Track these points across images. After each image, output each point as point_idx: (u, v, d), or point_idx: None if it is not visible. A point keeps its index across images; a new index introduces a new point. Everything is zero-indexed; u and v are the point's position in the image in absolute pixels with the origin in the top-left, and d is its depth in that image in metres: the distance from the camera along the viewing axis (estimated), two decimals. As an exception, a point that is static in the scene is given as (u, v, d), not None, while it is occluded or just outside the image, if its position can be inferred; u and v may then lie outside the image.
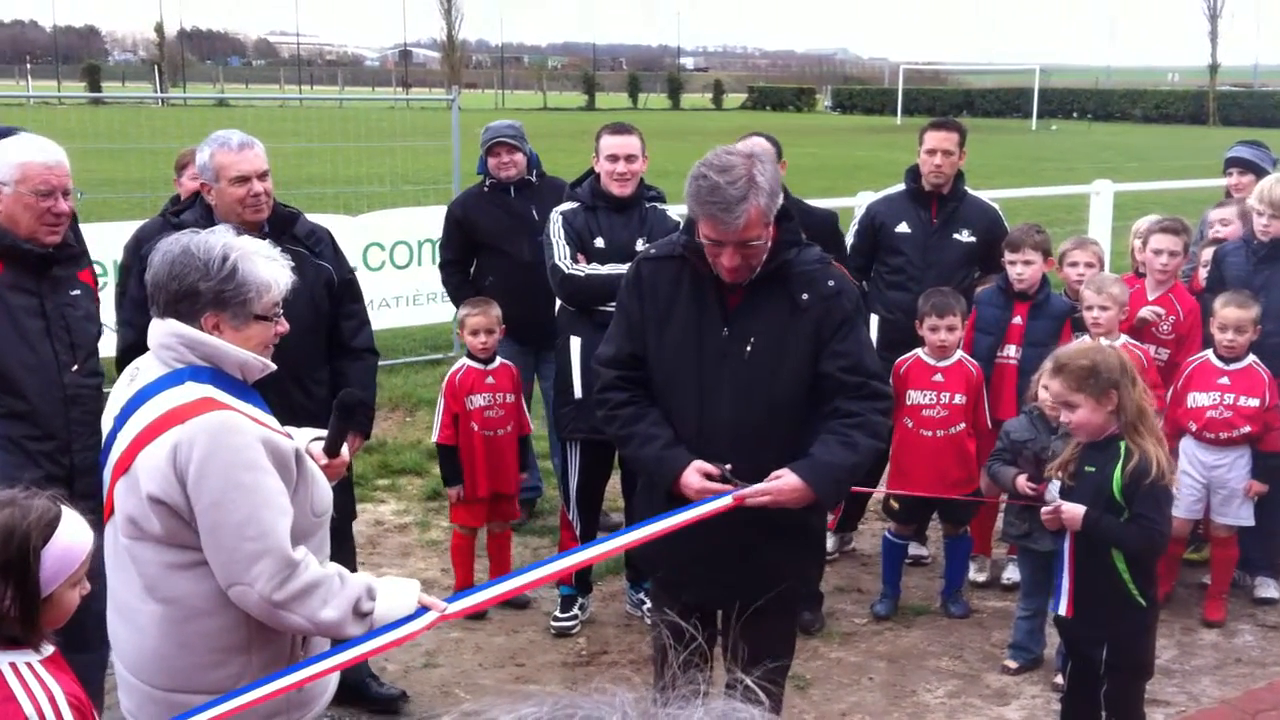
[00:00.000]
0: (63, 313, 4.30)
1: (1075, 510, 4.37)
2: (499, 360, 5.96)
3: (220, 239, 3.01)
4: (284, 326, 3.12)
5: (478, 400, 5.84)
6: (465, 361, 5.93)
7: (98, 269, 4.99)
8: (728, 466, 3.73)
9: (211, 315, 2.97)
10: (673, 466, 3.78)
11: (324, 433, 3.38)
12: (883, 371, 4.10)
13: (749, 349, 3.78)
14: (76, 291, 4.40)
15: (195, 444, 2.82)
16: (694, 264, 3.84)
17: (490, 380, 5.88)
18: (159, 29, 79.60)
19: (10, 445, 4.11)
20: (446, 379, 5.93)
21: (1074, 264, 6.25)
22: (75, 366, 4.29)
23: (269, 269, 3.02)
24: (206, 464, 2.82)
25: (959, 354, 5.86)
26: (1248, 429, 5.73)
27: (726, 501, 3.68)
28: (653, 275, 3.93)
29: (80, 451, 4.17)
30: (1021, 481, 5.00)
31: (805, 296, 3.79)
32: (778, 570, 3.92)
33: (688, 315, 3.85)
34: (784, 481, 3.68)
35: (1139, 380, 4.49)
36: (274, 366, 3.11)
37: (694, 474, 3.74)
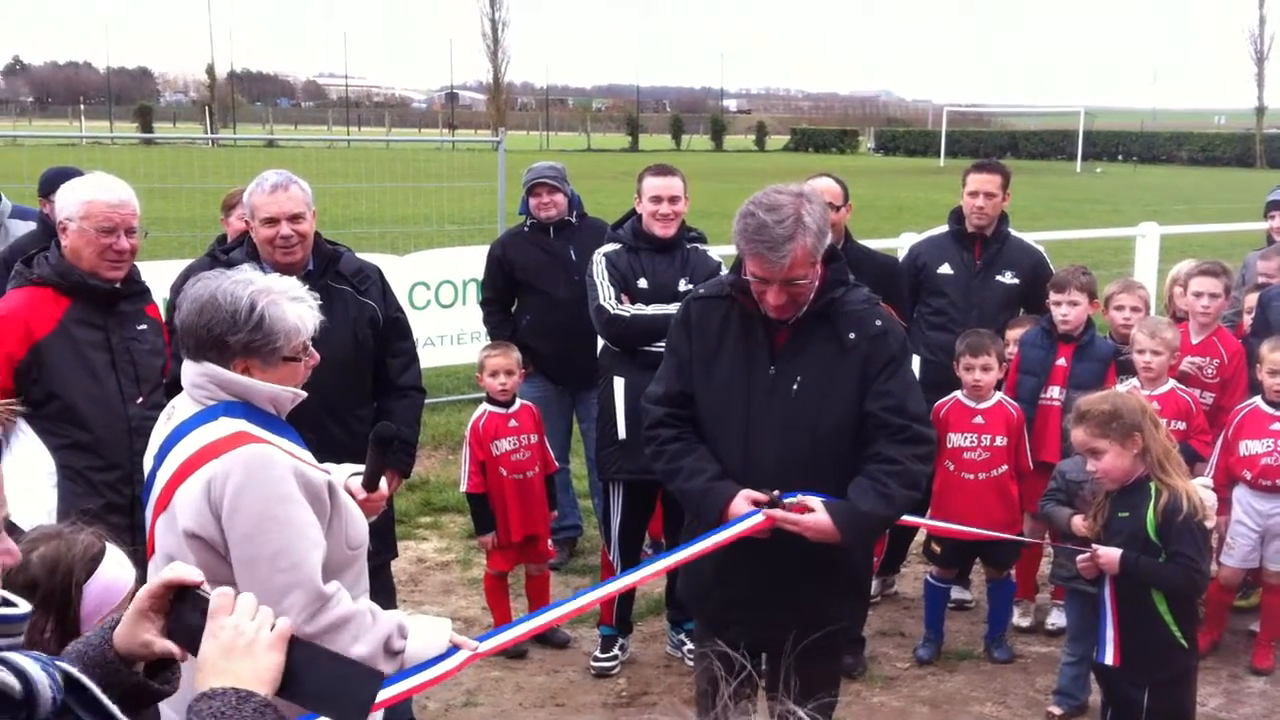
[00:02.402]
0: (128, 347, 4.43)
1: (1112, 554, 4.35)
2: (519, 402, 5.96)
3: (247, 285, 3.01)
4: (315, 358, 3.14)
5: (504, 445, 5.83)
6: (486, 407, 5.91)
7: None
8: (776, 493, 3.74)
9: (241, 361, 3.00)
10: (720, 497, 3.80)
11: (363, 468, 3.40)
12: (927, 414, 4.10)
13: (795, 387, 3.80)
14: (143, 326, 4.52)
15: (230, 477, 2.84)
16: (742, 302, 3.87)
17: (513, 423, 5.87)
18: (210, 71, 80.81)
19: (74, 475, 4.21)
20: (469, 427, 5.90)
21: (1120, 307, 6.22)
22: (140, 399, 4.40)
23: (295, 311, 3.04)
24: (240, 497, 2.84)
25: (998, 395, 5.82)
26: (1305, 473, 5.65)
27: (758, 519, 3.71)
28: (702, 314, 3.97)
29: (143, 482, 4.25)
30: (1078, 522, 4.90)
31: (852, 335, 3.80)
32: (823, 611, 3.93)
33: (735, 353, 3.88)
34: (815, 519, 3.70)
35: (1161, 422, 4.48)
36: (304, 395, 3.13)
37: (742, 501, 3.76)
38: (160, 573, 2.03)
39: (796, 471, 3.79)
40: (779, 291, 3.71)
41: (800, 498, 3.73)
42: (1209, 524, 4.52)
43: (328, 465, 3.28)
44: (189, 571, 2.02)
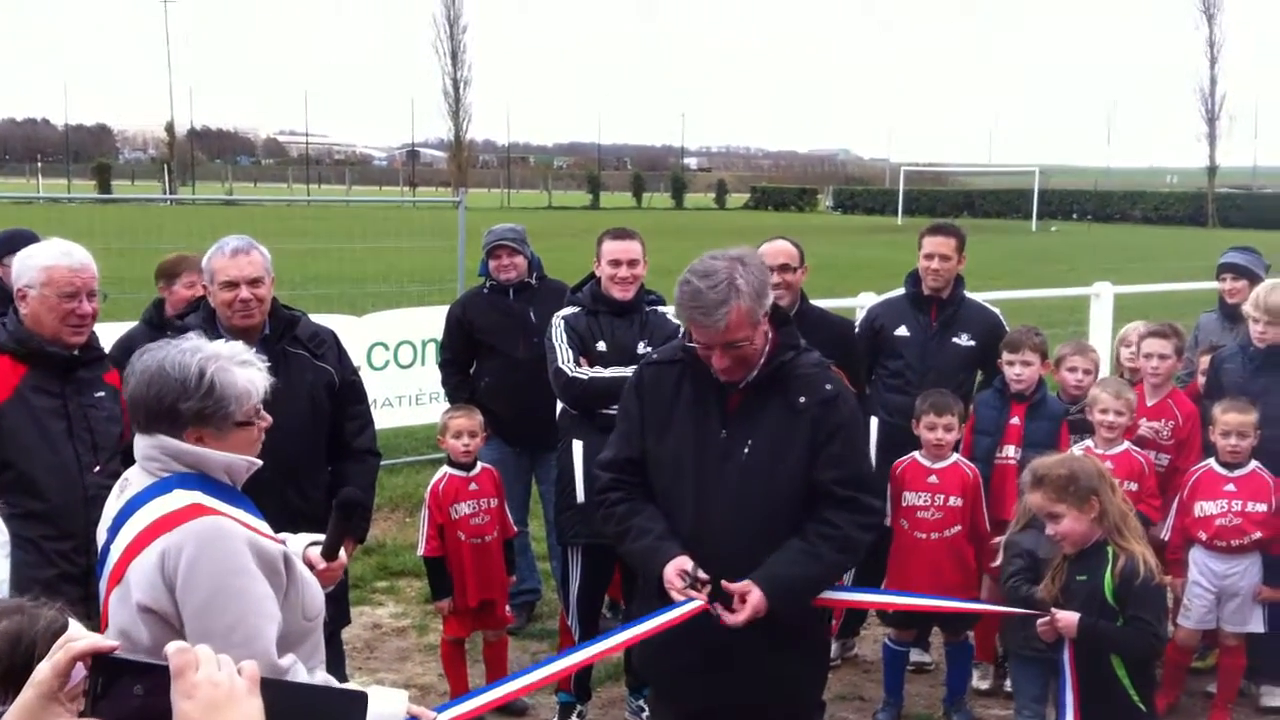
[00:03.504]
0: (86, 414, 4.38)
1: (1070, 618, 4.37)
2: (480, 465, 5.92)
3: (194, 353, 3.00)
4: (267, 421, 3.11)
5: (463, 509, 5.76)
6: (446, 470, 5.85)
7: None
8: (703, 577, 3.74)
9: (194, 431, 2.97)
10: (662, 559, 3.81)
11: (321, 537, 3.36)
12: (874, 481, 4.11)
13: (746, 451, 3.81)
14: (101, 393, 4.48)
15: (184, 550, 2.81)
16: (694, 367, 3.88)
17: (474, 487, 5.81)
18: (169, 128, 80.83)
19: (27, 544, 4.14)
20: (429, 489, 5.83)
21: (1073, 369, 6.28)
22: (97, 468, 4.35)
23: (245, 375, 3.02)
24: (194, 570, 2.80)
25: (955, 456, 5.84)
26: (1259, 535, 5.69)
27: (696, 604, 3.72)
28: (655, 379, 3.99)
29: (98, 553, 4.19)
30: (1040, 589, 4.76)
31: (803, 399, 3.82)
32: (776, 677, 3.90)
33: (687, 417, 3.89)
34: (753, 607, 3.70)
35: (1117, 485, 4.51)
36: (259, 463, 3.11)
37: (672, 568, 3.77)
38: (64, 647, 1.88)
39: (748, 537, 3.79)
40: (722, 355, 3.75)
41: (742, 584, 3.72)
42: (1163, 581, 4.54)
43: (284, 535, 3.25)
44: (97, 638, 1.90)
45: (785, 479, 3.82)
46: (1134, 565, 4.30)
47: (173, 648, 1.80)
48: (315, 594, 3.13)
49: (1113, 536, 4.37)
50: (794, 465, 3.82)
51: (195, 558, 2.81)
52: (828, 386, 3.87)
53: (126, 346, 5.01)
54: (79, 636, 1.91)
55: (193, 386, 2.94)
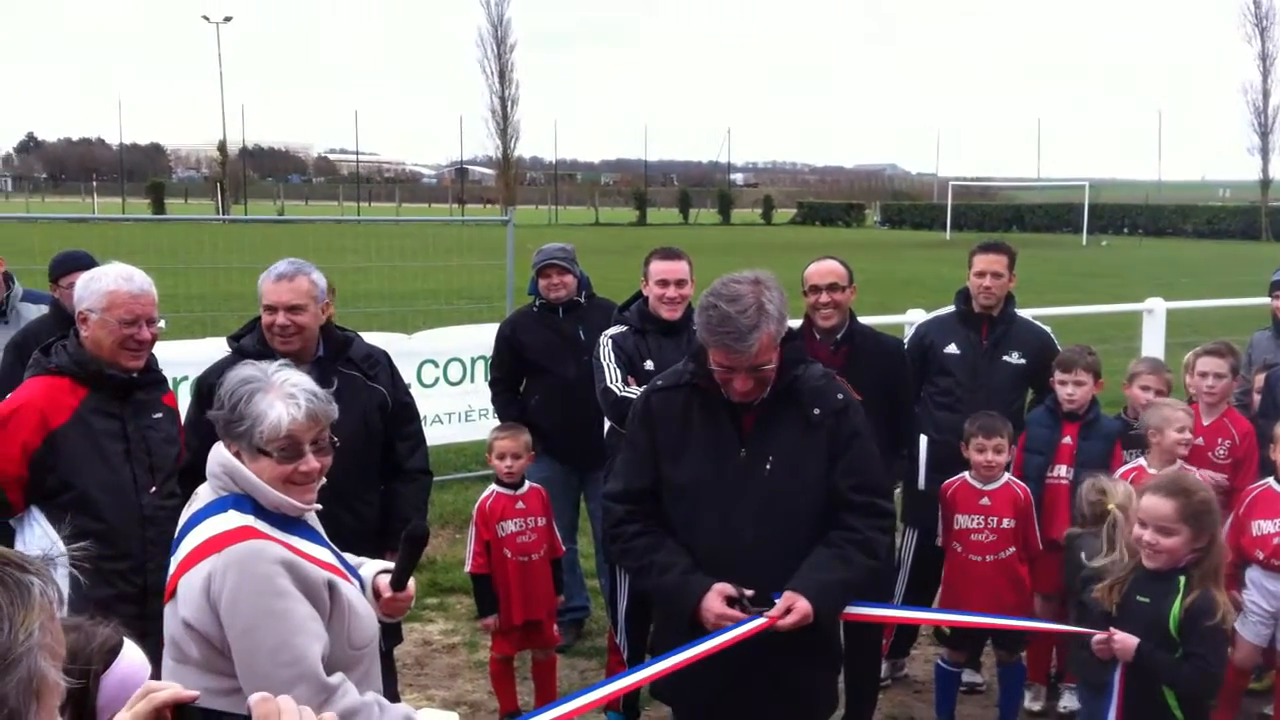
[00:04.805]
0: (144, 435, 4.46)
1: (1128, 641, 4.30)
2: (528, 484, 5.95)
3: (256, 372, 3.11)
4: (310, 465, 3.12)
5: (509, 526, 5.80)
6: (494, 488, 5.90)
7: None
8: (749, 592, 3.75)
9: (229, 443, 3.09)
10: (694, 592, 3.79)
11: (390, 565, 3.41)
12: (887, 486, 4.20)
13: (768, 468, 3.83)
14: (159, 415, 4.56)
15: (227, 573, 2.89)
16: (704, 389, 3.89)
17: (521, 505, 5.85)
18: (222, 147, 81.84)
19: (84, 563, 4.19)
20: (476, 506, 5.89)
21: (1145, 387, 6.21)
22: (154, 488, 4.43)
23: (277, 406, 3.06)
24: (237, 592, 2.88)
25: (1006, 476, 5.80)
26: (1320, 554, 5.60)
27: (760, 622, 3.71)
28: (662, 406, 3.99)
29: (154, 571, 4.26)
30: (1099, 592, 4.70)
31: (817, 411, 3.87)
32: (808, 695, 3.93)
33: (703, 441, 3.90)
34: (798, 611, 3.71)
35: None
36: (305, 509, 3.15)
37: (715, 597, 3.75)
38: (146, 696, 1.94)
39: (778, 551, 3.80)
40: (746, 379, 3.76)
41: (786, 597, 3.73)
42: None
43: (360, 560, 3.31)
44: (177, 688, 1.95)
45: (808, 491, 3.85)
46: (1207, 604, 4.23)
47: (256, 698, 1.85)
48: (364, 624, 3.16)
49: (1205, 576, 4.30)
50: (815, 476, 3.86)
51: (238, 582, 2.89)
52: (839, 396, 3.93)
53: (215, 367, 5.05)
54: (161, 687, 1.96)
55: (225, 400, 3.09)
